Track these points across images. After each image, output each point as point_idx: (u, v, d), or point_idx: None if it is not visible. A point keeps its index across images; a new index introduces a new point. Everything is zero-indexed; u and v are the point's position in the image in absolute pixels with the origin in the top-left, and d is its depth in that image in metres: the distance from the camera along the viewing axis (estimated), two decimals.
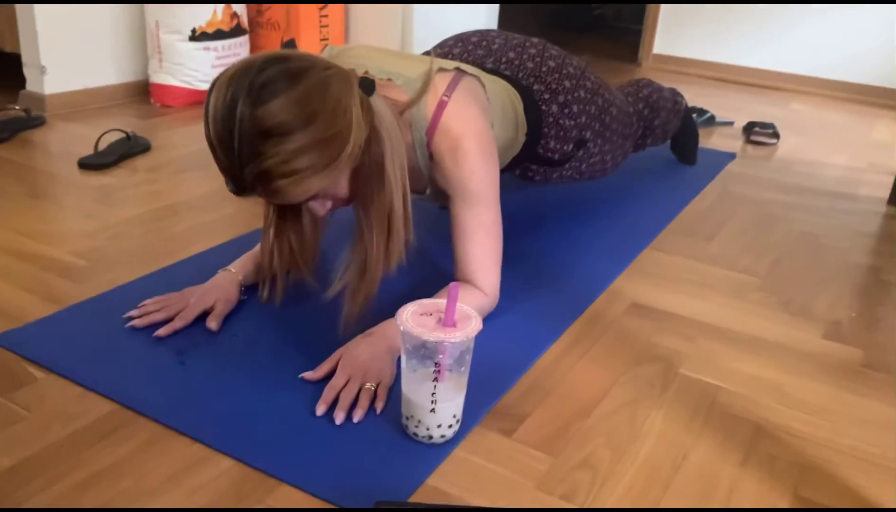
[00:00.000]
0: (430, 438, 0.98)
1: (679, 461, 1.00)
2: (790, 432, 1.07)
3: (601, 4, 5.13)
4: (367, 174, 1.08)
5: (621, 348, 1.26)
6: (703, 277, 1.55)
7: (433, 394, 0.95)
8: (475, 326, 0.95)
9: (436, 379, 0.94)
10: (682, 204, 1.95)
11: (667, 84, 2.11)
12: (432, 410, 0.96)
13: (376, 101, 1.08)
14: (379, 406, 1.04)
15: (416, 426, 0.98)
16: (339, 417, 1.01)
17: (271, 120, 0.94)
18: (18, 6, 2.33)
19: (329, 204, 1.11)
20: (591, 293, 1.44)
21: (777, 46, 3.59)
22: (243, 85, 0.95)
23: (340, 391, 1.04)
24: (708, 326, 1.36)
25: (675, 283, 1.52)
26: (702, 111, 2.77)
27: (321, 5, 2.79)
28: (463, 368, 0.97)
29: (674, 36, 3.83)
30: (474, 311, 0.98)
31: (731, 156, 2.39)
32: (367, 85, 1.06)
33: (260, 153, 0.95)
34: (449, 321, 0.94)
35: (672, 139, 2.19)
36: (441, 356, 0.93)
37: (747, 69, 3.67)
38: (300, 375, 1.10)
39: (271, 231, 1.21)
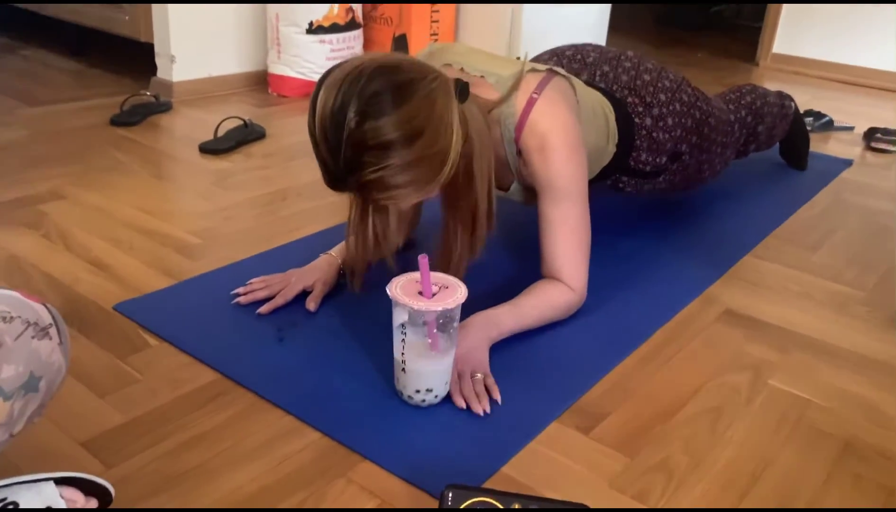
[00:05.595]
0: (411, 398, 1.06)
1: (759, 472, 0.99)
2: (881, 453, 1.04)
3: (719, 3, 4.97)
4: (456, 177, 1.10)
5: (710, 355, 1.25)
6: (804, 287, 1.51)
7: (403, 353, 1.03)
8: (456, 297, 1.01)
9: (403, 340, 1.03)
10: (790, 211, 1.88)
11: (785, 85, 2.04)
12: (403, 370, 1.04)
13: (470, 106, 1.10)
14: (496, 395, 1.08)
15: (396, 382, 1.08)
16: (481, 409, 1.05)
17: (377, 136, 0.97)
18: None
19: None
20: (684, 297, 1.42)
21: None
22: (353, 92, 0.97)
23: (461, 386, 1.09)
24: (804, 337, 1.32)
25: (774, 292, 1.48)
26: (819, 115, 2.65)
27: (433, 4, 2.84)
28: (445, 337, 1.03)
29: (795, 35, 3.67)
30: (461, 283, 1.04)
31: (848, 163, 2.28)
32: (463, 91, 1.07)
33: (363, 163, 0.98)
34: (427, 293, 1.01)
35: (781, 143, 2.11)
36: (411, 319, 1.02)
37: (872, 71, 3.47)
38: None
39: (356, 220, 1.22)
